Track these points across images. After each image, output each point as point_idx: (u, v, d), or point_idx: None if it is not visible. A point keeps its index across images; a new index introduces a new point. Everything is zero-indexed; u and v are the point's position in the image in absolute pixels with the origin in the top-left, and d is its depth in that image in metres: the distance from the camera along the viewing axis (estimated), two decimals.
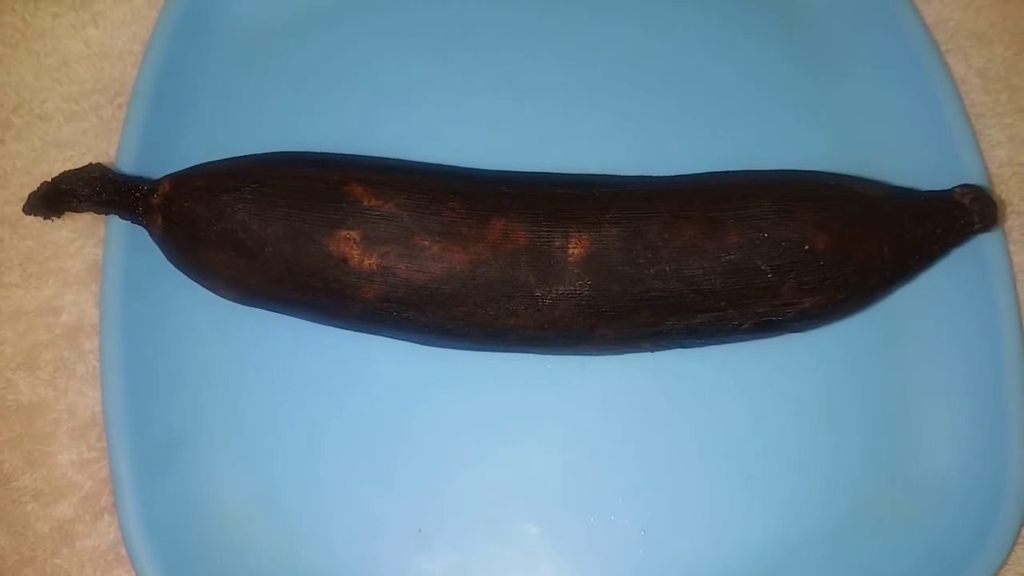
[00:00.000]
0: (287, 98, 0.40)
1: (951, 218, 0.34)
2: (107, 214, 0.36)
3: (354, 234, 0.33)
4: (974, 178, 0.37)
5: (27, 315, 0.39)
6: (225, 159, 0.35)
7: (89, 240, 0.40)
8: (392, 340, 0.36)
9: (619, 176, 0.36)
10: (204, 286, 0.35)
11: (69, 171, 0.34)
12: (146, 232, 0.36)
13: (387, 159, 0.37)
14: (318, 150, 0.37)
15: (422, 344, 0.36)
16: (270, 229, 0.33)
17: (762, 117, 0.40)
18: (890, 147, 0.40)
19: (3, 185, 0.41)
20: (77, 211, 0.35)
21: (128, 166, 0.38)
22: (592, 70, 0.40)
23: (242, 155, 0.36)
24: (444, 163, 0.37)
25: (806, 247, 0.32)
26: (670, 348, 0.36)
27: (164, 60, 0.39)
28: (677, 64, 0.41)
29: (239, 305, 0.36)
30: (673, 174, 0.37)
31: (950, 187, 0.35)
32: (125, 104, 0.41)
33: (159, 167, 0.37)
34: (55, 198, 0.34)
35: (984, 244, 0.37)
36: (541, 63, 0.40)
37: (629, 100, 0.40)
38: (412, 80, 0.40)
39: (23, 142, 0.42)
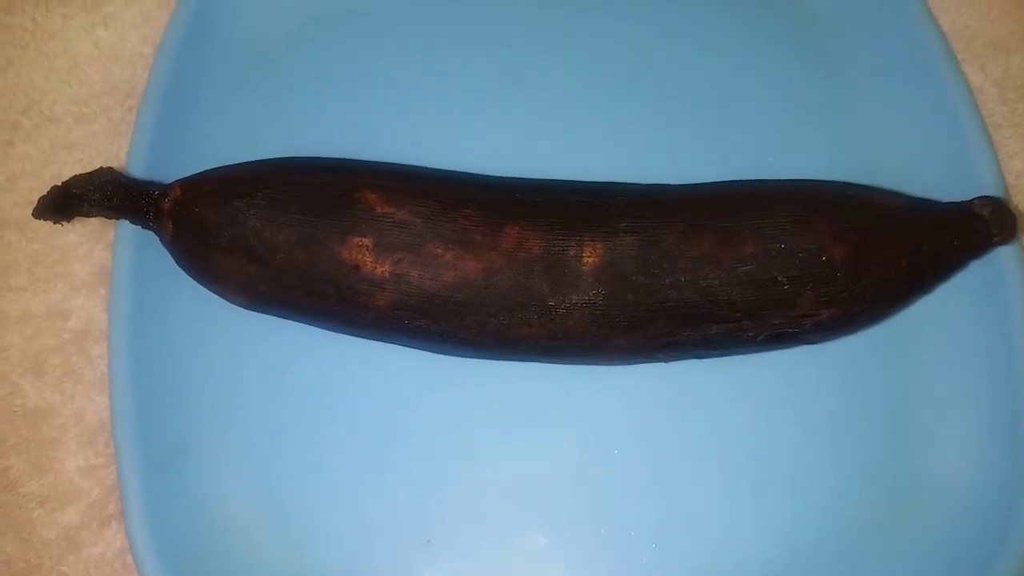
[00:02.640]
0: (298, 101, 0.40)
1: (969, 230, 0.33)
2: (117, 219, 0.35)
3: (367, 241, 0.32)
4: (992, 189, 0.37)
5: (35, 319, 0.39)
6: (236, 164, 0.35)
7: (97, 244, 0.40)
8: (403, 348, 0.36)
9: (634, 184, 0.36)
10: (214, 292, 0.35)
11: (80, 175, 0.34)
12: (155, 237, 0.35)
13: (400, 165, 0.36)
14: (329, 154, 0.37)
15: (434, 352, 0.36)
16: (282, 235, 0.32)
17: (777, 126, 0.40)
18: (907, 157, 0.39)
19: (12, 187, 0.41)
20: (87, 216, 0.35)
21: (138, 169, 0.37)
22: (605, 77, 0.40)
23: (254, 160, 0.35)
24: (456, 169, 0.37)
25: (823, 258, 0.32)
26: (684, 359, 0.35)
27: (175, 63, 0.39)
28: (693, 72, 0.40)
29: (248, 311, 0.36)
30: (688, 182, 0.36)
31: (968, 198, 0.35)
32: (135, 106, 0.41)
33: (169, 170, 0.36)
34: (65, 202, 0.33)
35: (999, 255, 0.36)
36: (553, 69, 0.40)
37: (643, 107, 0.40)
38: (425, 85, 0.40)
39: (32, 144, 0.41)
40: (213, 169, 0.35)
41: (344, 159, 0.36)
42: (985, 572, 0.34)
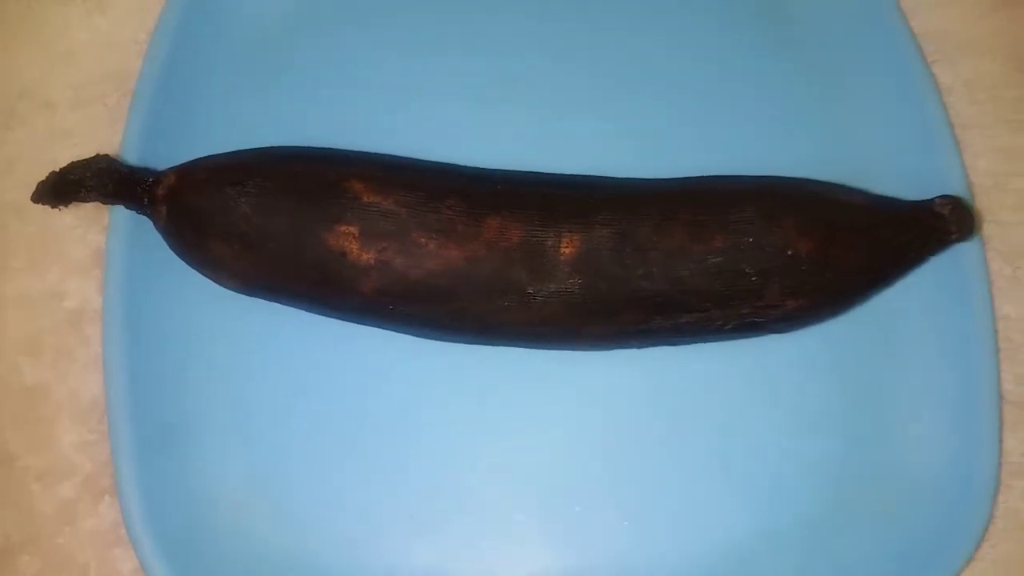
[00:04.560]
0: (290, 92, 0.41)
1: (930, 227, 0.35)
2: (113, 204, 0.37)
3: (353, 229, 0.33)
4: (955, 188, 0.38)
5: (31, 299, 0.40)
6: (228, 152, 0.36)
7: (92, 227, 0.41)
8: (388, 333, 0.37)
9: (611, 178, 0.37)
10: (206, 276, 0.36)
11: (77, 161, 0.35)
12: (149, 222, 0.36)
13: (387, 156, 0.37)
14: (319, 144, 0.38)
15: (417, 336, 0.37)
16: (272, 222, 0.34)
17: (751, 121, 0.41)
18: (876, 154, 0.40)
19: (9, 172, 0.42)
20: (84, 201, 0.36)
21: (132, 156, 0.38)
22: (587, 73, 0.41)
23: (245, 149, 0.36)
24: (442, 160, 0.38)
25: (789, 252, 0.33)
26: (657, 346, 0.37)
27: (170, 51, 0.40)
28: (670, 69, 0.41)
29: (240, 294, 0.37)
30: (664, 176, 0.38)
31: (931, 196, 0.37)
32: (130, 94, 0.41)
33: (163, 156, 0.38)
34: (63, 188, 0.34)
35: (964, 251, 0.38)
36: (538, 65, 0.41)
37: (623, 103, 0.41)
38: (412, 79, 0.41)
39: (28, 129, 0.42)
40: (206, 157, 0.36)
41: (333, 149, 0.37)
42: (943, 555, 0.36)
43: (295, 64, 0.41)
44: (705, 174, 0.37)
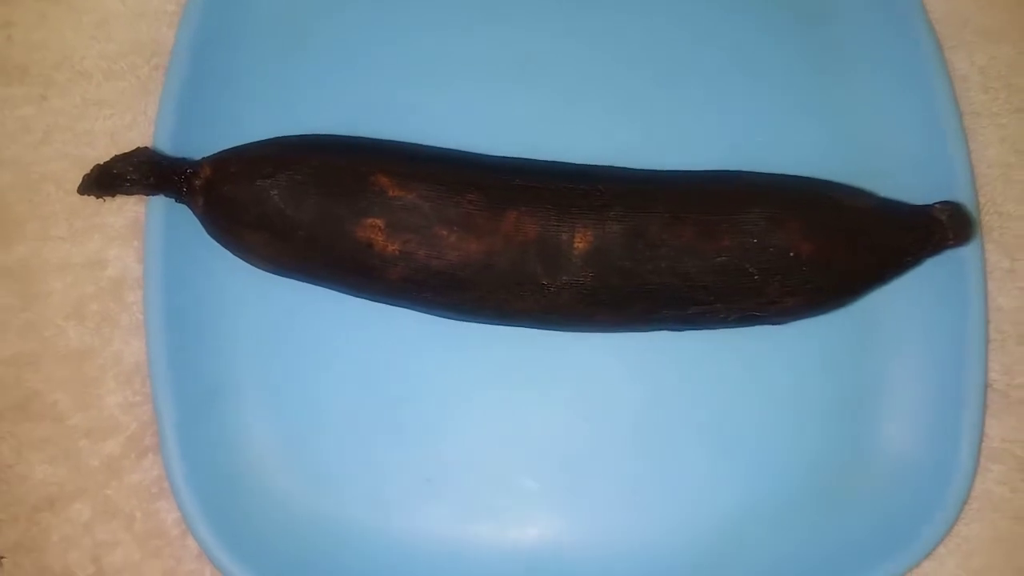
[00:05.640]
0: (317, 67, 0.42)
1: (928, 232, 0.36)
2: (154, 195, 0.38)
3: (379, 222, 0.35)
4: (961, 183, 0.40)
5: (74, 267, 0.42)
6: (260, 142, 0.38)
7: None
8: (410, 310, 0.39)
9: (624, 170, 0.39)
10: (240, 259, 0.38)
11: (118, 156, 0.36)
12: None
13: (411, 146, 0.39)
14: (346, 120, 0.40)
15: (438, 316, 0.39)
16: (302, 214, 0.35)
17: (766, 107, 0.42)
18: (885, 143, 0.41)
19: (47, 141, 0.43)
20: (127, 194, 0.37)
21: (167, 131, 0.40)
22: (604, 57, 0.42)
23: (276, 138, 0.38)
24: (462, 142, 0.40)
25: (792, 254, 0.35)
26: (662, 330, 0.39)
27: (200, 26, 0.41)
28: (689, 54, 0.42)
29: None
30: (678, 160, 0.39)
31: (936, 192, 0.38)
32: (161, 65, 0.43)
33: (197, 135, 0.39)
34: (106, 181, 0.36)
35: (962, 253, 0.39)
36: (554, 49, 0.42)
37: (639, 87, 0.42)
38: (437, 60, 0.42)
39: (65, 99, 0.43)
40: (240, 147, 0.37)
41: (359, 138, 0.39)
42: (920, 531, 0.38)
43: (322, 42, 0.42)
44: (716, 160, 0.39)
